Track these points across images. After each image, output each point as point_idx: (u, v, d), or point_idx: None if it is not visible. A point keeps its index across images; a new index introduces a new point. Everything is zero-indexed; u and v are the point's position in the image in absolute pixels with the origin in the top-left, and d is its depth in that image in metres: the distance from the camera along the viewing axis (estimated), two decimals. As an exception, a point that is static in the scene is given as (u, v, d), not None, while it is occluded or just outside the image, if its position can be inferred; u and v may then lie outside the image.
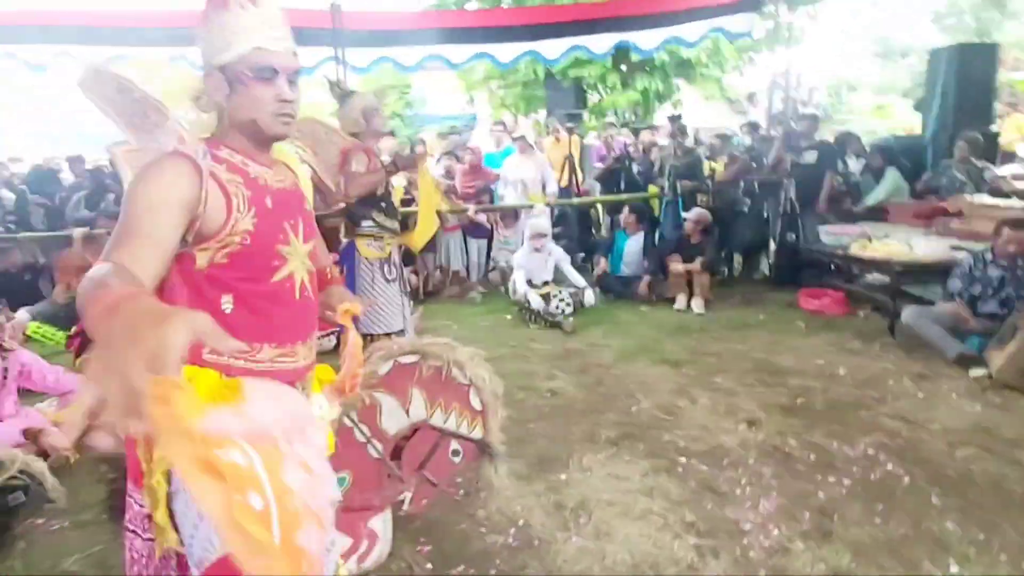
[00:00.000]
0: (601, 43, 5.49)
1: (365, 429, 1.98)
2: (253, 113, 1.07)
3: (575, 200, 6.05)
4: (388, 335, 3.03)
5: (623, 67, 7.87)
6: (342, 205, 3.00)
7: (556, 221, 6.52)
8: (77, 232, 4.33)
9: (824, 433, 2.80)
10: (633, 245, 5.58)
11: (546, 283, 5.12)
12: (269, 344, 1.14)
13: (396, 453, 2.02)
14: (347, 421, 1.97)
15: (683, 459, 2.61)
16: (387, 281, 2.98)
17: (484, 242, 5.99)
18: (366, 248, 2.95)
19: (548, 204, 5.90)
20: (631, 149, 6.61)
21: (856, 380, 3.43)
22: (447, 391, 2.03)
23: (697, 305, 5.01)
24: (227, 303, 1.09)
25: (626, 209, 5.66)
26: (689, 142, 6.48)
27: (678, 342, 4.22)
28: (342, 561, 1.87)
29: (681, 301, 5.12)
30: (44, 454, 2.38)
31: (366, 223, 2.95)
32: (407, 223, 3.68)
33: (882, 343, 4.01)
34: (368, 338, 2.72)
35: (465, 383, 2.03)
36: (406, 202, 5.76)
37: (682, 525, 2.13)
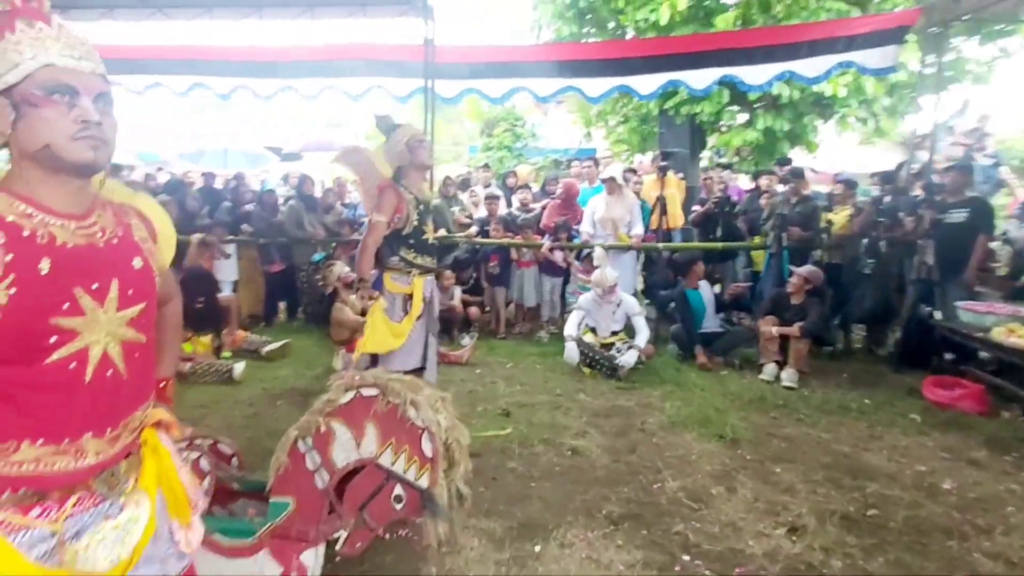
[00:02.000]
0: (701, 78, 5.21)
1: (317, 457, 2.01)
2: (46, 138, 0.91)
3: (660, 245, 5.73)
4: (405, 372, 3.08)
5: (736, 105, 7.41)
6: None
7: (644, 266, 6.24)
8: (194, 237, 5.06)
9: (888, 561, 2.27)
10: (709, 297, 5.16)
11: (615, 333, 4.88)
12: (31, 442, 0.93)
13: (338, 488, 2.02)
14: (301, 446, 2.02)
15: (686, 558, 2.28)
16: (406, 314, 3.03)
17: (559, 280, 5.89)
18: (391, 282, 3.04)
19: (632, 247, 5.67)
20: (733, 194, 6.12)
21: (962, 499, 2.75)
22: (400, 431, 1.99)
23: (788, 377, 4.42)
24: None
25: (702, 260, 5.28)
26: (809, 190, 5.85)
27: (747, 417, 3.74)
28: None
29: (770, 370, 4.56)
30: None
31: (392, 258, 3.04)
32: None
33: (1018, 457, 3.19)
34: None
35: (420, 426, 1.98)
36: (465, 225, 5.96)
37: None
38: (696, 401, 4.01)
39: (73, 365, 0.95)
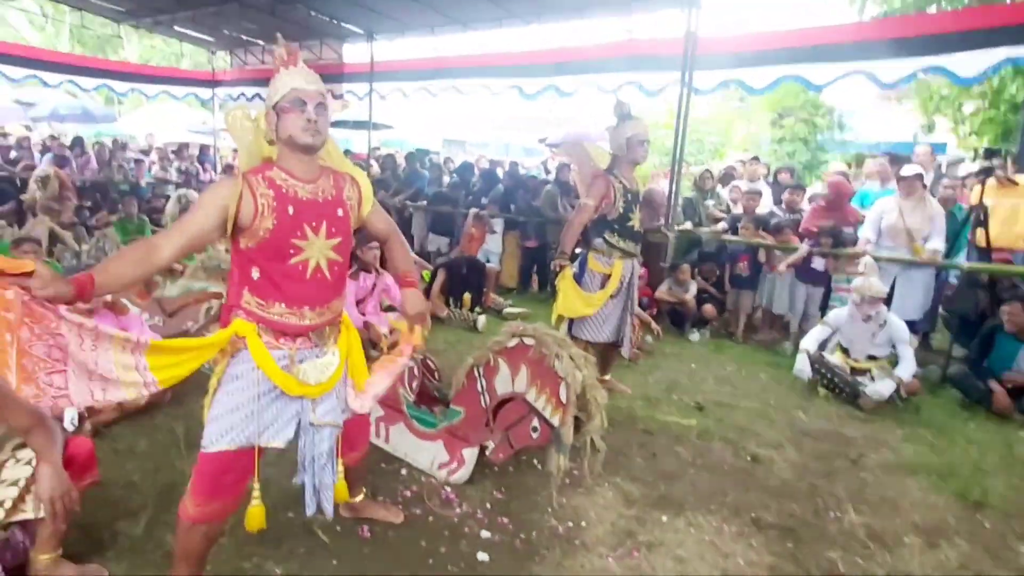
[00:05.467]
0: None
1: (484, 383, 2.62)
2: (289, 130, 1.61)
3: (964, 265, 4.65)
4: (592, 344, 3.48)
5: None
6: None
7: (938, 288, 5.16)
8: (472, 211, 6.37)
9: None
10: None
11: (872, 358, 4.28)
12: (280, 303, 1.65)
13: (494, 411, 2.59)
14: (475, 372, 2.66)
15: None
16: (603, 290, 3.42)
17: (819, 291, 5.33)
18: (593, 260, 3.46)
19: (929, 263, 4.77)
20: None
21: None
22: (545, 377, 2.45)
23: None
24: (255, 273, 1.65)
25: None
26: None
27: (1017, 485, 2.98)
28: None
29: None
30: (371, 341, 3.97)
31: (597, 240, 3.45)
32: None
33: None
34: (574, 339, 3.26)
35: (561, 376, 2.41)
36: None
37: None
38: (952, 452, 3.34)
39: (300, 267, 1.66)
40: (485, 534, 2.30)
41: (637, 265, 3.60)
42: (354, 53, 10.04)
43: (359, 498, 2.27)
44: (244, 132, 1.73)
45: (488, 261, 6.57)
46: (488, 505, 2.49)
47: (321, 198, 1.71)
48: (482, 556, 2.17)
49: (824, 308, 5.35)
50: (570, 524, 2.39)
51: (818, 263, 5.24)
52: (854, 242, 5.14)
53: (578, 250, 3.64)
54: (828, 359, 4.31)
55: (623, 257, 3.45)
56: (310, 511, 1.86)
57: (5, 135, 10.73)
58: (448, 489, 2.56)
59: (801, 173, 9.31)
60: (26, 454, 1.81)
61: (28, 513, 1.76)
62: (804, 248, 5.21)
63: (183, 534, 1.71)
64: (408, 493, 2.54)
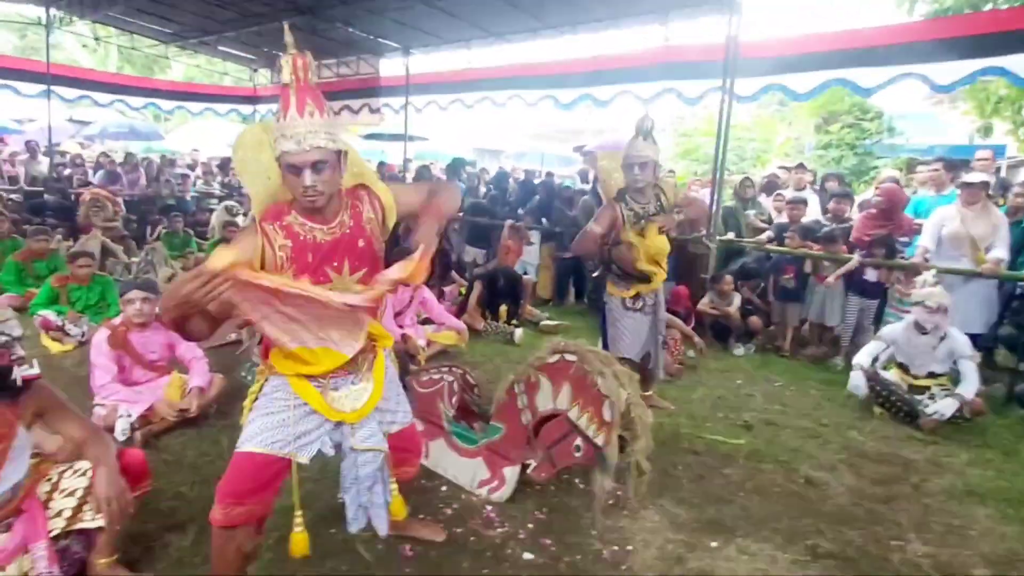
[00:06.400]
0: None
1: (525, 399, 2.60)
2: (292, 193, 1.60)
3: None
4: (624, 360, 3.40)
5: None
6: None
7: (1004, 302, 4.90)
8: (508, 223, 6.37)
9: None
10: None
11: (932, 375, 4.08)
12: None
13: (536, 428, 2.56)
14: (516, 388, 2.64)
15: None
16: (626, 310, 3.35)
17: (872, 304, 5.13)
18: (611, 286, 3.41)
19: (991, 274, 4.54)
20: None
21: None
22: (588, 395, 2.42)
23: None
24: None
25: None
26: None
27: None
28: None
29: None
30: (408, 354, 4.00)
31: (613, 265, 3.38)
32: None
33: None
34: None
35: (604, 394, 2.37)
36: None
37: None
38: (1022, 477, 3.15)
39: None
40: (528, 556, 2.26)
41: (658, 290, 3.50)
42: (390, 67, 10.27)
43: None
44: (258, 167, 1.68)
45: (525, 272, 6.57)
46: (530, 525, 2.45)
47: (340, 234, 1.68)
48: (526, 579, 2.14)
49: (879, 321, 5.16)
50: (616, 548, 2.34)
51: (871, 274, 5.05)
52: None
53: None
54: (884, 376, 4.14)
55: (640, 282, 3.37)
56: (353, 528, 1.89)
57: (62, 153, 11.31)
58: (489, 508, 2.54)
59: (848, 180, 9.01)
60: (83, 465, 1.88)
61: (87, 522, 1.82)
62: (856, 259, 5.03)
63: (215, 542, 1.77)
64: (449, 511, 2.53)
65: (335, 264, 1.66)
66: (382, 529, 1.91)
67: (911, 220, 5.26)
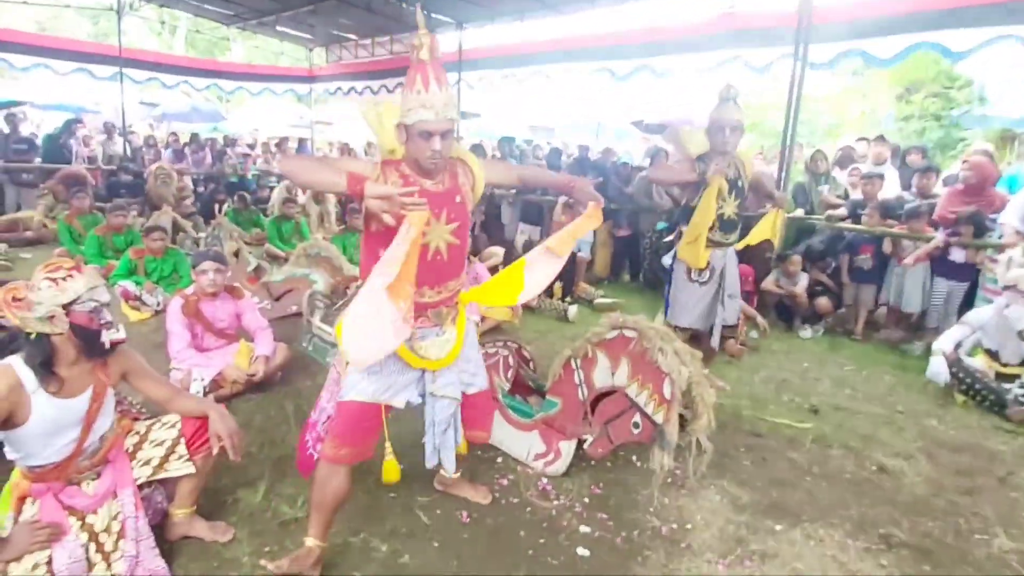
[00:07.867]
0: None
1: (582, 374, 2.59)
2: (417, 155, 1.77)
3: None
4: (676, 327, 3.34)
5: None
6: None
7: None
8: (560, 200, 6.31)
9: None
10: None
11: (1024, 364, 3.82)
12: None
13: (593, 404, 2.55)
14: (572, 363, 2.64)
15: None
16: (690, 281, 3.27)
17: (961, 287, 4.79)
18: (682, 249, 3.32)
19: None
20: None
21: None
22: (647, 371, 2.39)
23: None
24: (381, 252, 1.72)
25: None
26: None
27: None
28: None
29: None
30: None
31: (685, 227, 3.29)
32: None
33: None
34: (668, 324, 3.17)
35: (664, 371, 2.33)
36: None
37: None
38: None
39: (422, 250, 1.78)
40: (584, 529, 2.28)
41: (732, 253, 3.41)
42: (443, 43, 10.27)
43: (456, 475, 2.37)
44: (379, 126, 1.88)
45: (579, 250, 6.50)
46: (586, 500, 2.46)
47: (442, 189, 1.87)
48: (582, 551, 2.16)
49: (967, 305, 4.82)
50: (674, 526, 2.32)
51: (957, 255, 4.73)
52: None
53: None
54: (968, 362, 3.89)
55: (712, 246, 3.28)
56: (430, 464, 2.08)
57: (134, 133, 11.96)
58: (545, 480, 2.57)
59: (932, 154, 8.39)
60: (171, 418, 2.02)
61: (171, 472, 1.97)
62: (939, 237, 4.72)
63: (320, 474, 1.92)
64: (504, 482, 2.57)
65: (435, 211, 1.82)
66: (450, 467, 2.12)
67: (1004, 196, 4.87)
